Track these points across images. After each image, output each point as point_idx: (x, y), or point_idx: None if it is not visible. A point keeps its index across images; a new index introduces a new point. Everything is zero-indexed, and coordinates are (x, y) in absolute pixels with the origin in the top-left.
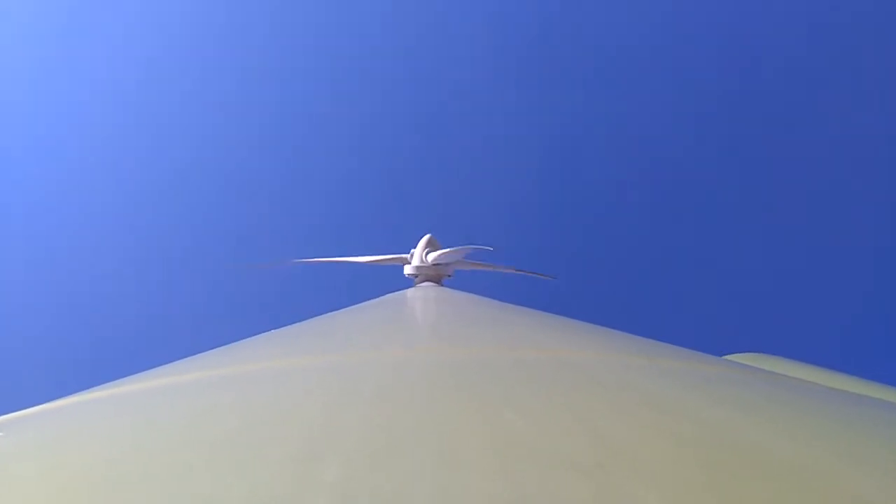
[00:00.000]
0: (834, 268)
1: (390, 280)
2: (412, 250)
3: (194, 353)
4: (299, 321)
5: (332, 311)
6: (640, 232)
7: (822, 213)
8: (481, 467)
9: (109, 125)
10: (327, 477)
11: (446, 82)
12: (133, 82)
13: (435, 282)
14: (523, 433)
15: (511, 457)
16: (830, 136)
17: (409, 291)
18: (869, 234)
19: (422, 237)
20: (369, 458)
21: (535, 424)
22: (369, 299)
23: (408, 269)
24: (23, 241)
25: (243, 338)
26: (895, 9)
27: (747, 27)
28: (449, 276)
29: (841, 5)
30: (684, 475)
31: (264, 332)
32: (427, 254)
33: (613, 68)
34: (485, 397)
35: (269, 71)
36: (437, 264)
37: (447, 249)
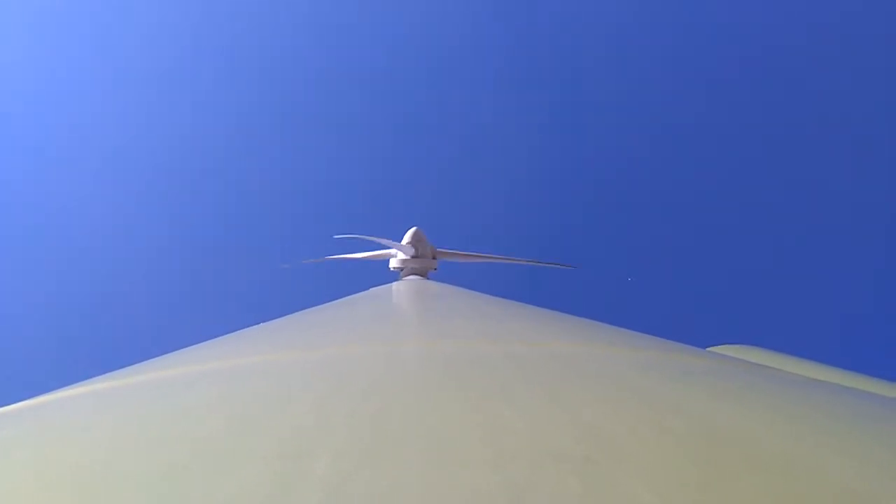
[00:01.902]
0: (817, 261)
1: (375, 274)
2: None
3: (177, 349)
4: (284, 316)
5: (316, 305)
6: (629, 226)
7: (807, 209)
8: (472, 461)
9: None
10: (317, 473)
11: (439, 78)
12: (135, 82)
13: (420, 275)
14: (513, 427)
15: (501, 450)
16: (812, 132)
17: (395, 285)
18: (853, 229)
19: (407, 230)
20: (359, 454)
21: (524, 418)
22: (354, 293)
23: (393, 263)
24: (20, 236)
25: (228, 333)
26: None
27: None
28: (434, 269)
29: (840, 5)
30: (672, 467)
31: (249, 326)
32: (420, 247)
33: (603, 64)
34: (474, 391)
35: (262, 69)
36: (424, 257)
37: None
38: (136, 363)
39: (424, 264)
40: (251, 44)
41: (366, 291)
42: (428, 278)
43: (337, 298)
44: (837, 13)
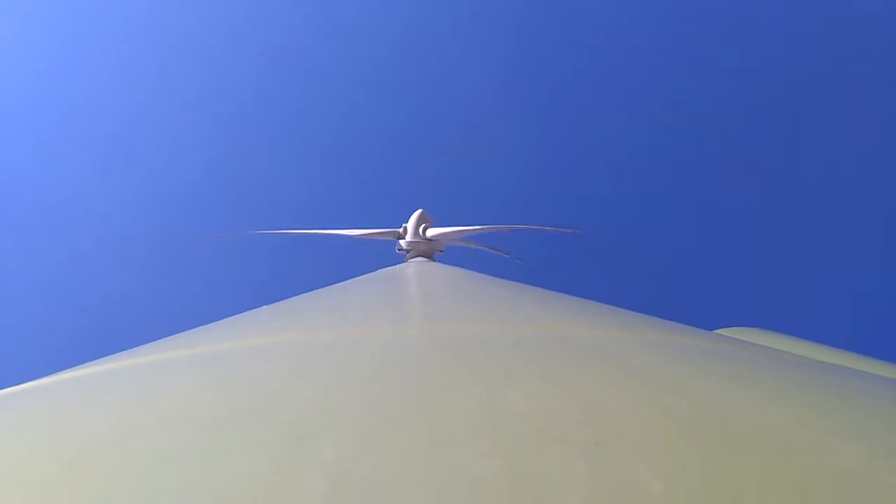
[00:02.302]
0: (828, 243)
1: (381, 255)
2: (404, 224)
3: (179, 331)
4: (288, 297)
5: (322, 286)
6: (633, 207)
7: (815, 193)
8: (478, 445)
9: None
10: (321, 458)
11: (442, 66)
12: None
13: (426, 257)
14: (520, 411)
15: (507, 434)
16: (822, 120)
17: (401, 267)
18: (866, 209)
19: (413, 212)
20: (363, 438)
21: (532, 402)
22: (360, 275)
23: (400, 245)
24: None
25: (230, 314)
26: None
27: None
28: (441, 251)
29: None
30: (680, 451)
31: (252, 308)
32: (424, 229)
33: (607, 61)
34: (480, 374)
35: (256, 56)
36: (431, 239)
37: (450, 229)
38: (136, 346)
39: (431, 246)
40: (248, 40)
41: (370, 273)
42: (434, 260)
43: (342, 280)
44: (837, 13)
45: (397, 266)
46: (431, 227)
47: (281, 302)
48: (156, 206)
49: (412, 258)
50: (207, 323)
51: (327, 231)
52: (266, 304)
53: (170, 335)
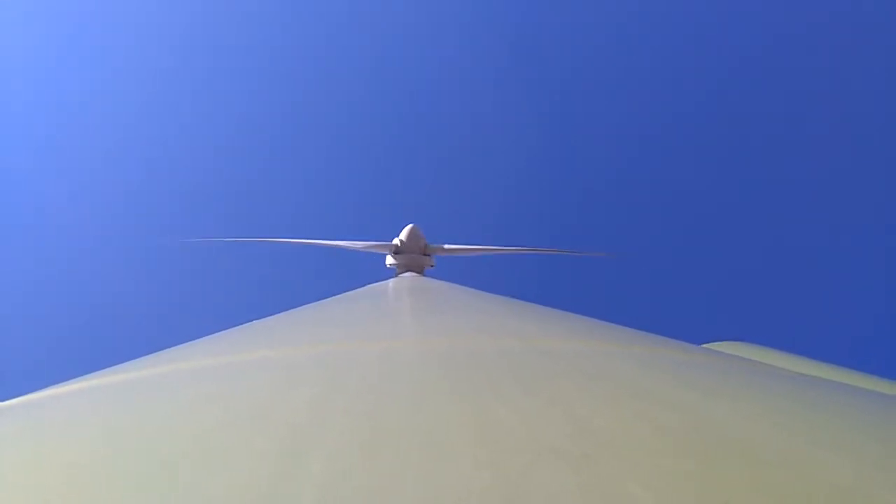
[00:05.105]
0: (814, 259)
1: (372, 270)
2: (395, 239)
3: (173, 344)
4: (280, 312)
5: (313, 301)
6: (627, 222)
7: (805, 206)
8: (468, 458)
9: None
10: (312, 470)
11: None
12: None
13: (417, 272)
14: (509, 424)
15: (497, 447)
16: (811, 130)
17: (392, 282)
18: (851, 227)
19: (404, 227)
20: (354, 451)
21: (520, 415)
22: (351, 290)
23: (390, 260)
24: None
25: (225, 328)
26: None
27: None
28: (431, 266)
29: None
30: (669, 464)
31: (245, 322)
32: (416, 244)
33: (600, 59)
34: (470, 388)
35: (257, 65)
36: (425, 255)
37: (455, 246)
38: (127, 360)
39: (419, 261)
40: (247, 43)
41: (361, 288)
42: (424, 275)
43: (333, 295)
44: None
45: (388, 281)
46: (415, 241)
47: (273, 316)
48: (146, 213)
49: (402, 273)
50: (200, 333)
51: (320, 241)
52: (259, 319)
53: (162, 342)
